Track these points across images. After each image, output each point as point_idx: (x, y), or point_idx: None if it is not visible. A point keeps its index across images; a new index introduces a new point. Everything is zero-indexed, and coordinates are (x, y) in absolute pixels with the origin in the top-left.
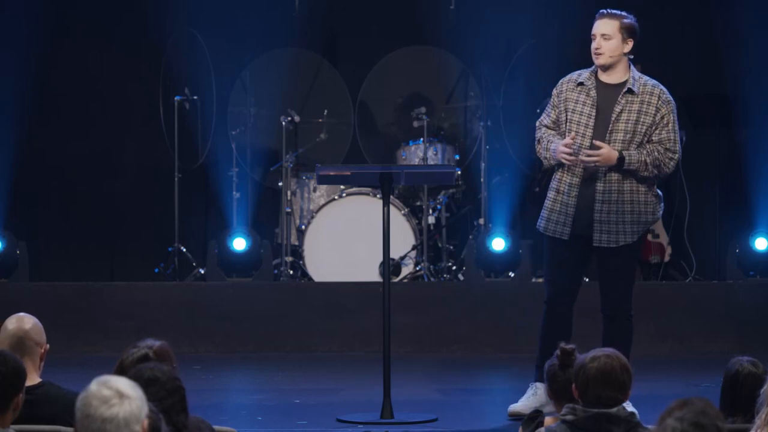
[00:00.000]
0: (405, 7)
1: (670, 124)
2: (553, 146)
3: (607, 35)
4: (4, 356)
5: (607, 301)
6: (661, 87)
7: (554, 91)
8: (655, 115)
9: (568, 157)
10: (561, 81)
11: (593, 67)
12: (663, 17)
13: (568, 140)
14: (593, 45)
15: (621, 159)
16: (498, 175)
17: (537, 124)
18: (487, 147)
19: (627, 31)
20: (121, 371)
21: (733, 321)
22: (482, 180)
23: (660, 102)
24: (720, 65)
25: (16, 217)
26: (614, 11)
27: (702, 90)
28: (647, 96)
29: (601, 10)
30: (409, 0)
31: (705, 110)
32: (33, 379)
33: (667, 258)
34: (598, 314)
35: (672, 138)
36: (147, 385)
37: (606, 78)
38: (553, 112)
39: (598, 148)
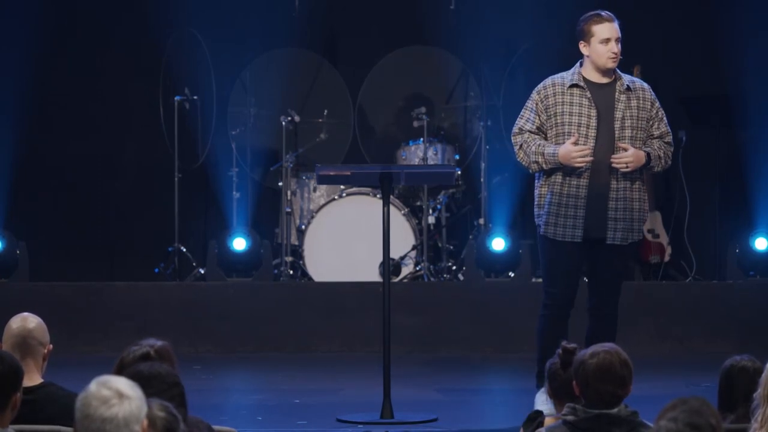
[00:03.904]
0: (405, 7)
1: (664, 118)
2: (550, 150)
3: (619, 38)
4: (1, 355)
5: (602, 299)
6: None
7: (536, 96)
8: (650, 109)
9: (584, 159)
10: (544, 85)
11: (574, 69)
12: (663, 17)
13: (571, 146)
14: (609, 49)
15: (648, 156)
16: (498, 175)
17: (516, 130)
18: (487, 147)
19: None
20: (120, 368)
21: (733, 321)
22: (482, 180)
23: (653, 97)
24: (720, 65)
25: (16, 217)
26: (610, 13)
27: (702, 90)
28: (640, 92)
29: (604, 13)
30: (409, 0)
31: (705, 110)
32: (35, 379)
33: (667, 258)
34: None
35: (669, 131)
36: (148, 379)
37: (596, 79)
38: (537, 118)
39: (624, 150)
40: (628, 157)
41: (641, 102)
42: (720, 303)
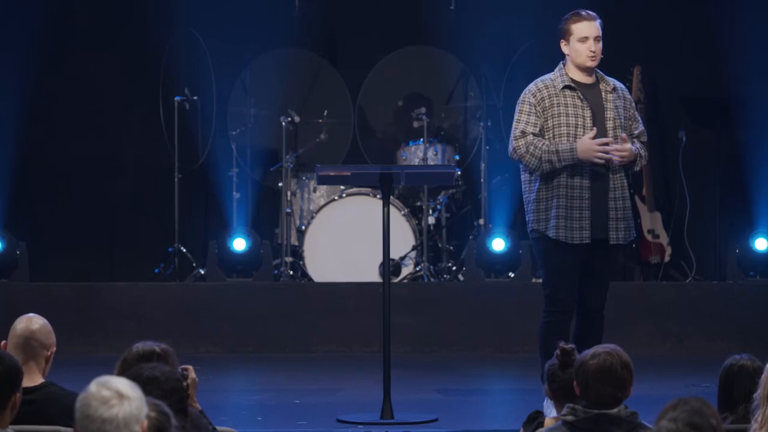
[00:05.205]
0: (405, 7)
1: (639, 117)
2: (565, 147)
3: (599, 37)
4: (1, 355)
5: (598, 299)
6: None
7: (532, 99)
8: (629, 109)
9: (604, 155)
10: (537, 88)
11: (559, 70)
12: (663, 17)
13: (590, 140)
14: (589, 48)
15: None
16: (498, 175)
17: (518, 133)
18: (487, 147)
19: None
20: (123, 364)
21: (732, 321)
22: (482, 180)
23: (629, 96)
24: (720, 65)
25: (16, 217)
26: (592, 12)
27: (702, 90)
28: (621, 92)
29: (582, 12)
30: (409, 0)
31: (705, 110)
32: (36, 379)
33: (667, 258)
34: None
35: (644, 131)
36: (145, 384)
37: (582, 79)
38: (538, 120)
39: (624, 141)
40: (626, 151)
41: (623, 102)
42: (720, 303)
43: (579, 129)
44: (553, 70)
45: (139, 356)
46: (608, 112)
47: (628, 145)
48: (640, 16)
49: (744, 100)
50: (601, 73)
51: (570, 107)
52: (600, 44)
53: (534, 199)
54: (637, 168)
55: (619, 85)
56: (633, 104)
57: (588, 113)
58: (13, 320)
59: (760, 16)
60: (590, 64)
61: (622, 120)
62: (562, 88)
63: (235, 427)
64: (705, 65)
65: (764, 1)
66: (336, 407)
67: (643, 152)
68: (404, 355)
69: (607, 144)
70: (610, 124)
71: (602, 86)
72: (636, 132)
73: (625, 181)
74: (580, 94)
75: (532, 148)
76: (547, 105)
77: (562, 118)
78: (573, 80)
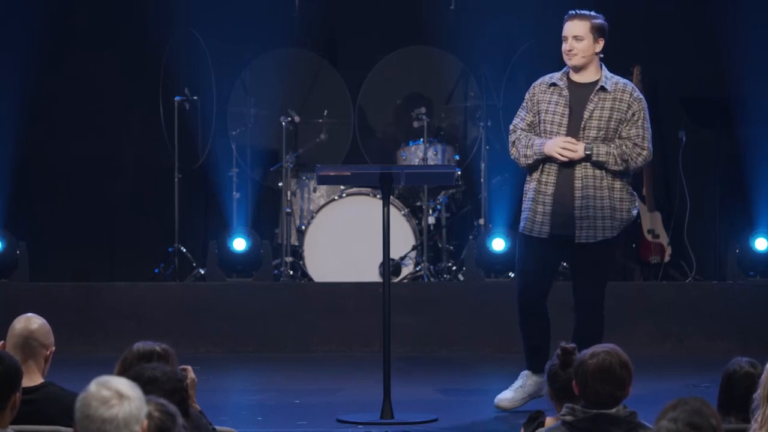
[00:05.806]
0: (405, 7)
1: (640, 121)
2: (538, 141)
3: (579, 36)
4: (0, 355)
5: (583, 298)
6: (632, 85)
7: (527, 95)
8: (626, 111)
9: (565, 152)
10: (533, 84)
11: (565, 68)
12: (663, 17)
13: (561, 138)
14: (565, 46)
15: (588, 149)
16: (498, 175)
17: (510, 128)
18: (487, 147)
19: (598, 31)
20: (123, 364)
21: (732, 321)
22: (482, 180)
23: (632, 99)
24: (720, 65)
25: (16, 217)
26: (583, 12)
27: (702, 90)
28: (619, 93)
29: (570, 12)
30: (409, 0)
31: (705, 110)
32: (35, 379)
33: (667, 258)
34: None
35: (641, 134)
36: (146, 384)
37: (578, 78)
38: (528, 115)
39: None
40: (572, 151)
41: (616, 104)
42: (720, 303)
43: (554, 126)
44: (555, 70)
45: (140, 356)
46: (585, 113)
47: (579, 146)
48: (640, 16)
49: (744, 100)
50: (605, 73)
51: (552, 104)
52: (581, 43)
53: (523, 191)
54: (612, 167)
55: (622, 86)
56: (634, 107)
57: (566, 111)
58: (13, 320)
59: (761, 16)
60: (568, 62)
61: (606, 121)
62: (549, 85)
63: (235, 427)
64: (706, 65)
65: (765, 2)
66: (336, 407)
67: (617, 151)
68: (404, 355)
69: (580, 145)
70: (582, 124)
71: (598, 85)
72: (624, 134)
73: (606, 181)
74: (566, 92)
75: (518, 142)
76: (535, 101)
77: (542, 114)
78: (569, 78)
